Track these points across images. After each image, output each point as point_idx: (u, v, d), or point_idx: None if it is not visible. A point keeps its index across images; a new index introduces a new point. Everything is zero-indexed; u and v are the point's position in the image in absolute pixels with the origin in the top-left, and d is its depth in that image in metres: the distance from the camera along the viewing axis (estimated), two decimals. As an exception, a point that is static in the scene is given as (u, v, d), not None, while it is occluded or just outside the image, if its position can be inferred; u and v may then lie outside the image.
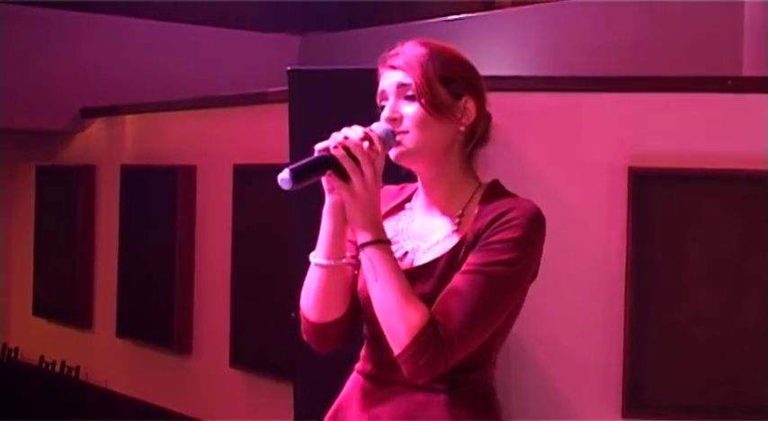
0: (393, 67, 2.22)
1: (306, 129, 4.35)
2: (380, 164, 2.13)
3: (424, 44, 2.21)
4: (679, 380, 4.29)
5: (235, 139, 5.92)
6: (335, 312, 2.25)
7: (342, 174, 2.10)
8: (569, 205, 4.38)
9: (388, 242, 2.13)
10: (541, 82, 4.72)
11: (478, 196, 2.20)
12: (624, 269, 4.33)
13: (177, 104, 6.46)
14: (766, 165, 4.24)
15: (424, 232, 2.23)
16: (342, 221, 2.17)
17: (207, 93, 6.47)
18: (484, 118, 2.24)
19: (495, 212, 2.13)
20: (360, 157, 2.09)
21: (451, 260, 2.15)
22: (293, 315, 4.33)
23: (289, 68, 4.40)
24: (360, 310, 2.26)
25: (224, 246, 5.80)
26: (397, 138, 2.18)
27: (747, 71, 5.36)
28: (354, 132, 2.14)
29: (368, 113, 4.76)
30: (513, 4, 7.25)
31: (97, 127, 7.20)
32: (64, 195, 7.26)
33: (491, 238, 2.11)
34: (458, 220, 2.19)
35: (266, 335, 5.45)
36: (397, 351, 2.08)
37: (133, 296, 6.60)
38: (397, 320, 2.07)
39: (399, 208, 2.31)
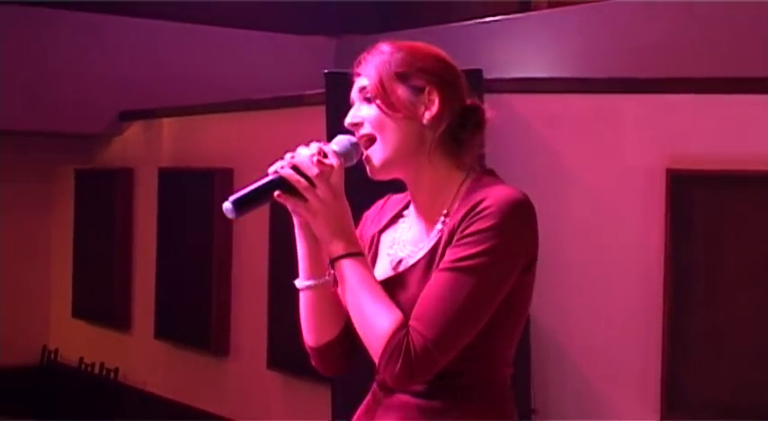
0: (357, 74, 2.17)
1: (343, 131, 4.37)
2: (336, 177, 2.06)
3: (384, 45, 2.15)
4: (717, 381, 4.27)
5: (271, 142, 5.93)
6: (329, 333, 2.20)
7: (295, 194, 2.06)
8: (607, 207, 4.37)
9: (356, 253, 2.06)
10: (578, 83, 4.71)
11: (463, 191, 2.10)
12: (662, 270, 4.31)
13: (214, 107, 6.49)
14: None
15: (416, 237, 2.16)
16: (312, 240, 2.12)
17: (243, 95, 6.49)
18: (452, 108, 2.11)
19: (469, 205, 2.02)
20: (309, 174, 2.04)
21: (429, 262, 2.07)
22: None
23: (326, 71, 4.41)
24: None
25: (261, 247, 5.81)
26: (364, 156, 2.13)
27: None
28: (306, 150, 2.09)
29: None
30: (549, 5, 7.23)
31: (135, 130, 7.24)
32: (102, 198, 7.31)
33: (464, 232, 2.00)
34: (443, 219, 2.10)
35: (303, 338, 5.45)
36: (375, 360, 2.03)
37: (171, 298, 6.63)
38: (369, 330, 2.02)
39: (398, 216, 2.25)
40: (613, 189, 4.39)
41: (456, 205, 2.08)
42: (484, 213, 1.99)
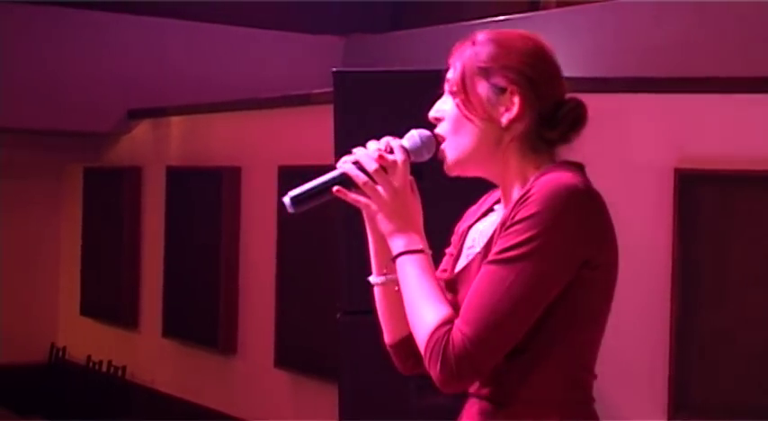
0: (449, 64, 2.08)
1: (351, 131, 4.36)
2: (400, 174, 2.02)
3: (483, 33, 2.04)
4: (725, 382, 4.26)
5: (279, 141, 5.93)
6: (403, 330, 2.09)
7: (356, 190, 2.02)
8: (616, 206, 4.34)
9: (415, 251, 1.99)
10: (587, 83, 4.69)
11: (532, 180, 1.96)
12: (670, 270, 4.30)
13: (222, 106, 6.49)
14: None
15: (489, 228, 2.06)
16: (380, 237, 2.07)
17: (252, 94, 6.49)
18: (535, 108, 1.99)
19: (520, 195, 1.93)
20: (369, 169, 2.00)
21: (484, 255, 1.98)
22: (338, 316, 4.37)
23: (334, 70, 4.40)
24: None
25: (269, 246, 5.81)
26: (439, 152, 2.07)
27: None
28: (373, 144, 2.05)
29: (412, 114, 4.75)
30: (558, 5, 7.23)
31: (143, 128, 7.25)
32: (111, 196, 7.31)
33: (509, 222, 1.90)
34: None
35: (311, 336, 5.46)
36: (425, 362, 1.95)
37: (179, 296, 6.63)
38: (416, 329, 1.96)
39: (490, 210, 2.15)
40: (622, 188, 4.38)
41: (521, 192, 1.96)
42: (527, 202, 1.89)
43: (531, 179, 1.96)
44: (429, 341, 1.91)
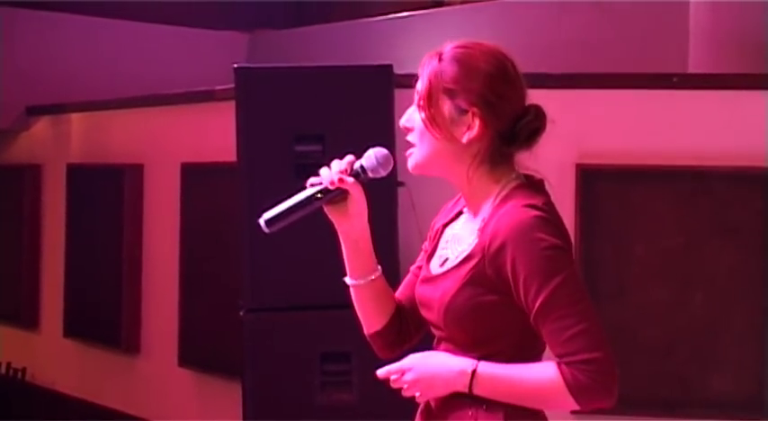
0: (419, 72, 2.23)
1: (253, 127, 4.34)
2: (353, 199, 2.22)
3: (450, 50, 2.19)
4: (627, 376, 4.30)
5: (182, 138, 5.88)
6: (377, 324, 2.37)
7: (329, 202, 2.23)
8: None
9: (471, 376, 2.13)
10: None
11: (497, 201, 2.17)
12: (572, 265, 4.34)
13: (124, 102, 6.42)
14: (712, 162, 4.27)
15: (461, 235, 2.24)
16: (351, 247, 2.30)
17: (154, 91, 6.42)
18: (496, 128, 2.16)
19: (489, 233, 2.11)
20: (332, 188, 2.20)
21: (459, 269, 2.16)
22: (241, 313, 4.34)
23: (235, 66, 4.38)
24: (421, 317, 2.32)
25: (172, 244, 5.76)
26: (406, 153, 2.24)
27: (693, 68, 5.41)
28: (335, 165, 2.23)
29: (314, 110, 4.75)
30: (463, 2, 7.26)
31: (42, 125, 7.13)
32: (9, 195, 7.18)
33: (505, 273, 2.08)
34: (481, 225, 2.17)
35: (215, 335, 5.42)
36: (579, 408, 2.11)
37: (80, 296, 6.54)
38: (551, 401, 2.13)
39: (461, 212, 2.32)
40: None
41: (487, 215, 2.16)
42: (505, 253, 2.07)
43: (500, 197, 2.17)
44: (567, 382, 2.06)
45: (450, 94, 2.15)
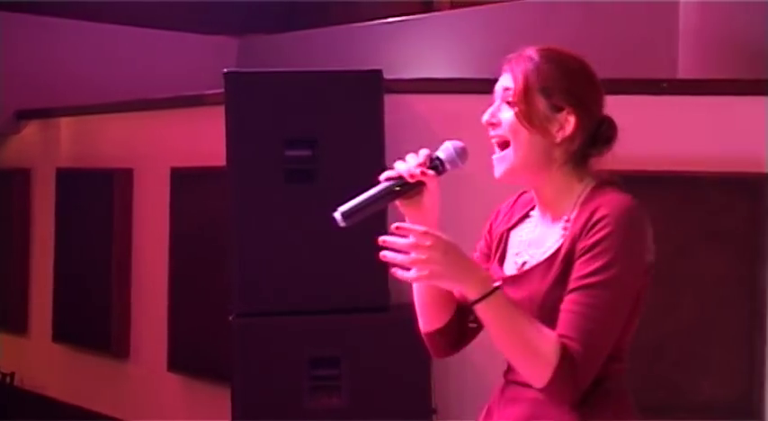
0: (505, 70, 2.29)
1: (243, 132, 4.34)
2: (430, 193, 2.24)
3: (540, 51, 2.27)
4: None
5: (172, 142, 5.88)
6: (437, 322, 2.36)
7: (404, 195, 2.24)
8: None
9: (491, 291, 2.11)
10: (478, 84, 4.69)
11: (582, 199, 2.23)
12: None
13: (114, 107, 6.41)
14: (702, 167, 4.28)
15: (540, 239, 2.28)
16: None
17: (145, 95, 6.41)
18: (586, 128, 2.24)
19: (585, 215, 2.16)
20: (412, 181, 2.22)
21: (550, 265, 2.20)
22: (231, 318, 4.34)
23: (225, 71, 4.39)
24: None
25: (161, 249, 5.75)
26: (495, 158, 2.28)
27: (683, 73, 5.42)
28: (411, 158, 2.24)
29: (304, 115, 4.75)
30: (452, 6, 7.27)
31: (32, 129, 7.12)
32: (-1, 198, 7.17)
33: (585, 245, 2.13)
34: (565, 225, 2.23)
35: (204, 339, 5.41)
36: (539, 386, 2.12)
37: (69, 300, 6.53)
38: (530, 363, 2.12)
39: (526, 216, 2.38)
40: (509, 189, 4.41)
41: (576, 212, 2.21)
42: (599, 226, 2.12)
43: (584, 195, 2.23)
44: (556, 373, 2.07)
45: (546, 92, 2.22)
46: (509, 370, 2.32)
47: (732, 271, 4.27)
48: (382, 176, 2.24)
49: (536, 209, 2.36)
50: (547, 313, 2.16)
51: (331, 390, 4.22)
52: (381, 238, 2.13)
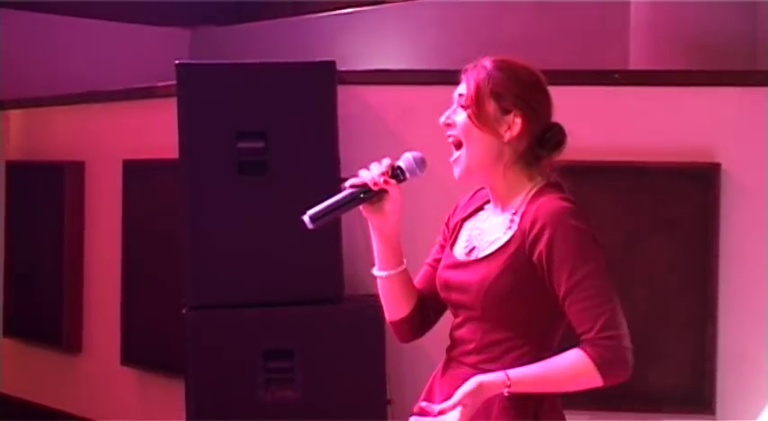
0: (462, 79, 2.52)
1: (195, 124, 4.32)
2: (390, 200, 2.47)
3: (494, 61, 2.51)
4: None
5: (123, 134, 5.84)
6: (401, 312, 2.63)
7: (368, 199, 2.45)
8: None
9: (507, 385, 2.35)
10: (432, 75, 4.73)
11: (529, 197, 2.46)
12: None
13: (64, 99, 6.36)
14: (652, 157, 4.31)
15: (490, 229, 2.51)
16: (382, 240, 2.54)
17: (95, 87, 6.37)
18: (532, 130, 2.47)
19: (531, 213, 2.40)
20: (375, 189, 2.44)
21: (500, 254, 2.43)
22: (184, 311, 4.32)
23: (177, 62, 4.37)
24: (437, 303, 2.62)
25: (114, 242, 5.72)
26: (452, 160, 2.51)
27: (634, 65, 5.46)
28: (374, 167, 2.46)
29: (255, 107, 4.74)
30: (404, -1, 7.28)
31: (-19, 122, 7.05)
32: (-53, 192, 7.10)
33: (544, 254, 2.36)
34: (512, 218, 2.46)
35: (157, 333, 5.39)
36: (604, 386, 2.38)
37: (20, 295, 6.48)
38: (580, 384, 2.39)
39: (480, 208, 2.60)
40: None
41: (524, 208, 2.44)
42: (546, 227, 2.36)
43: (531, 194, 2.47)
44: (597, 363, 2.33)
45: (497, 96, 2.45)
46: (452, 346, 2.56)
47: (683, 260, 4.30)
48: (347, 183, 2.46)
49: (490, 203, 2.58)
50: (492, 298, 2.41)
51: (285, 383, 4.22)
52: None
